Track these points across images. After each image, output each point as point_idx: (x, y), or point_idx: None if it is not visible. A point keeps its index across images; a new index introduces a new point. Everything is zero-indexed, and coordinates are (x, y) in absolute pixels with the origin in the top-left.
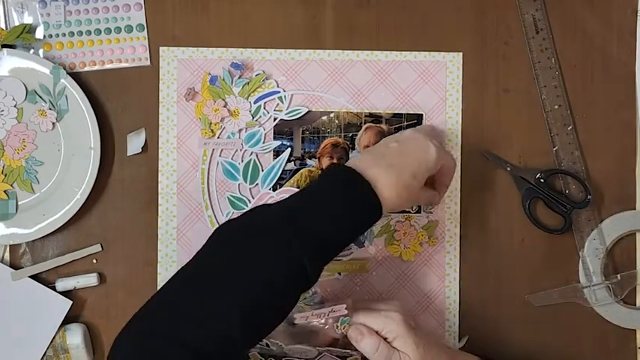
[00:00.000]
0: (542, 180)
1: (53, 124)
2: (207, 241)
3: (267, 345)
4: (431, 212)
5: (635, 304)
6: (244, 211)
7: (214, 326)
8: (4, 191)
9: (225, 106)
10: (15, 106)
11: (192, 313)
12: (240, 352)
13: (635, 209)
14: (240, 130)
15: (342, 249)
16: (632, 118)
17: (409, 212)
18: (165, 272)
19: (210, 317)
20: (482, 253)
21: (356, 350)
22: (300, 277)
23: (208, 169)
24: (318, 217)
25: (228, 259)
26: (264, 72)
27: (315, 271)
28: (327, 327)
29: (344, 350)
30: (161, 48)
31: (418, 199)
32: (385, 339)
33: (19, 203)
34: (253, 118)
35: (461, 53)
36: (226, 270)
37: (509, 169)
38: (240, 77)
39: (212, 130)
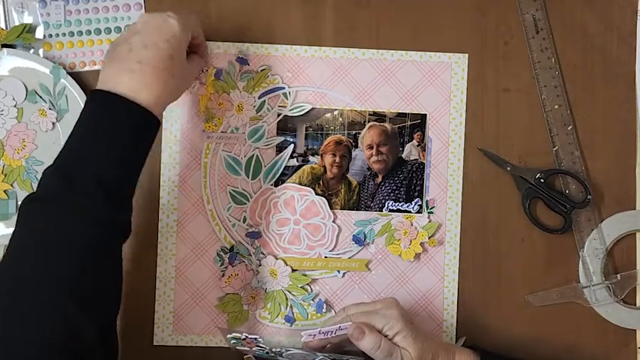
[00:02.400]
0: (542, 180)
1: (53, 123)
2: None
3: (268, 352)
4: (432, 213)
5: (635, 304)
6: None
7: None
8: (4, 191)
9: (229, 101)
10: (15, 106)
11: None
12: (82, 325)
13: (635, 209)
14: (243, 125)
15: (138, 171)
16: (632, 118)
17: (410, 212)
18: (164, 265)
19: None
20: (483, 253)
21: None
22: (103, 236)
23: (210, 162)
24: (89, 162)
25: (30, 239)
26: (269, 67)
27: (119, 214)
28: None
29: (341, 354)
30: None
31: (190, 75)
32: (386, 336)
33: (19, 203)
34: (257, 113)
35: (467, 55)
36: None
37: (509, 169)
38: (245, 72)
39: (216, 124)
